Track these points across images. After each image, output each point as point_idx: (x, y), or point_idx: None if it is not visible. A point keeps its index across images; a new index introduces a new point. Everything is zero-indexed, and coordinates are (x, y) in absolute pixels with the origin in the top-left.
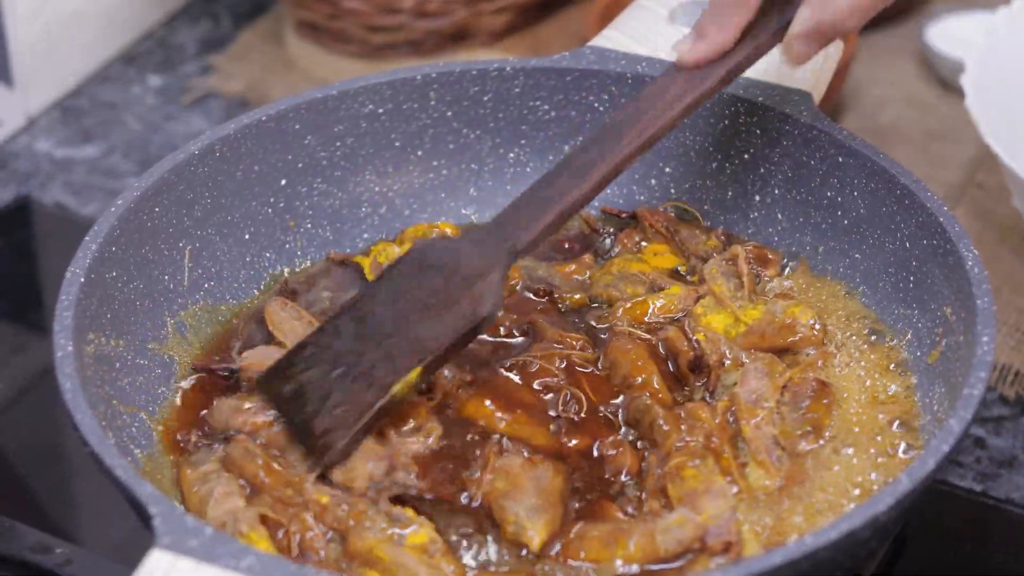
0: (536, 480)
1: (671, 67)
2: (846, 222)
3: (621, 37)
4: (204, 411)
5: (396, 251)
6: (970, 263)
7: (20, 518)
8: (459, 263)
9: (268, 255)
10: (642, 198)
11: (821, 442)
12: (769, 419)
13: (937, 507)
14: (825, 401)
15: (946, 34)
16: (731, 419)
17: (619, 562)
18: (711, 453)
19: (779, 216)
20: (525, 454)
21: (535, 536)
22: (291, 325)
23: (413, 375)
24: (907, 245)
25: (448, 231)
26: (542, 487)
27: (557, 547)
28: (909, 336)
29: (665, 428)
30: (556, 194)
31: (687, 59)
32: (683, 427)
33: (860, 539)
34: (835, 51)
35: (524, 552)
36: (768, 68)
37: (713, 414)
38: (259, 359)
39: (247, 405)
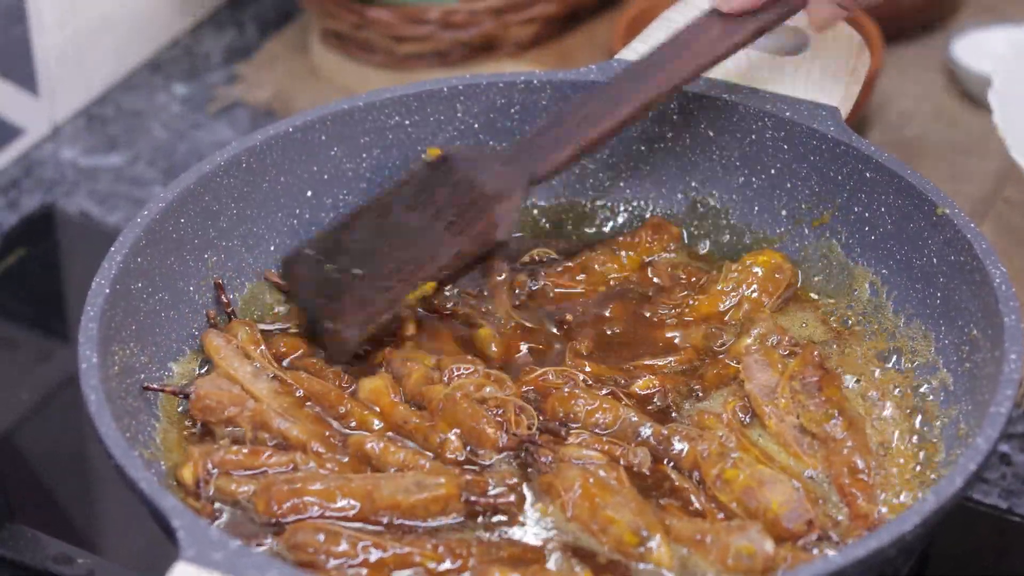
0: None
1: (706, 13)
2: (873, 238)
3: (647, 50)
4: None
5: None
6: (997, 280)
7: (43, 528)
8: (483, 181)
9: None
10: (669, 212)
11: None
12: (789, 409)
13: (961, 523)
14: (836, 384)
15: (973, 48)
16: (743, 416)
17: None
18: (738, 447)
19: (806, 231)
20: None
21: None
22: (231, 352)
23: (428, 287)
24: (934, 261)
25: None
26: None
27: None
28: (934, 352)
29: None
30: (581, 127)
31: (727, 7)
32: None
33: (886, 557)
34: (862, 65)
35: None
36: (795, 84)
37: (720, 418)
38: (210, 388)
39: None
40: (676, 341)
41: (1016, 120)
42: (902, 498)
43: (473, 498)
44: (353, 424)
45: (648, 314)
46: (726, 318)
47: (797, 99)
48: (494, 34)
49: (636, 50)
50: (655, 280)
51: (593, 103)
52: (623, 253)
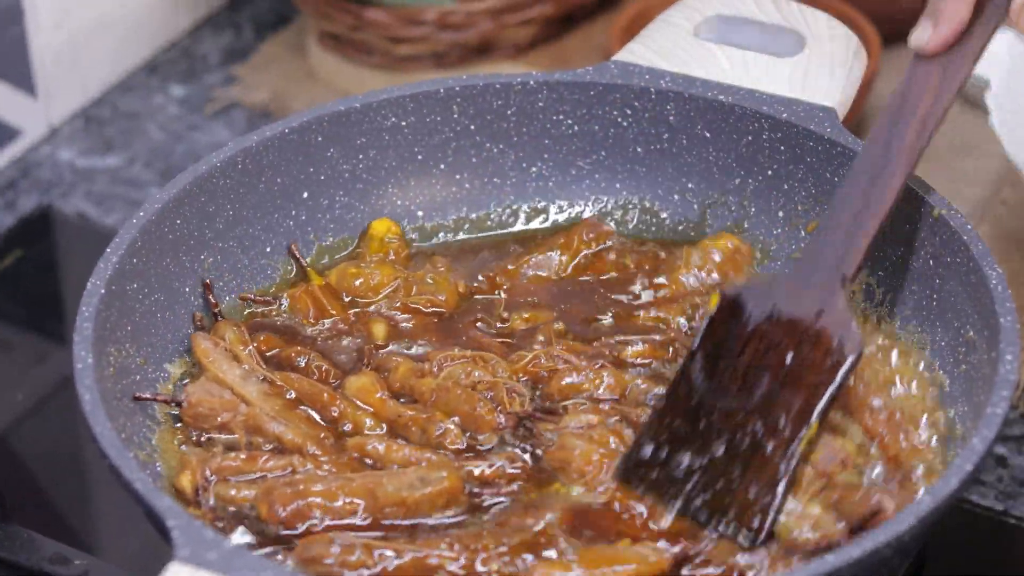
0: None
1: (915, 63)
2: None
3: (645, 51)
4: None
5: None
6: (994, 281)
7: (39, 529)
8: (790, 307)
9: (290, 267)
10: (665, 215)
11: None
12: None
13: (958, 525)
14: None
15: None
16: None
17: None
18: None
19: (802, 232)
20: None
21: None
22: (220, 355)
23: (812, 430)
24: (931, 263)
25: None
26: None
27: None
28: (929, 353)
29: None
30: (864, 213)
31: (931, 46)
32: None
33: (882, 558)
34: (860, 67)
35: None
36: (792, 85)
37: None
38: (201, 395)
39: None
40: (653, 315)
41: (1013, 122)
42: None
43: (477, 489)
44: (348, 426)
45: (616, 296)
46: (696, 300)
47: (794, 100)
48: (491, 35)
49: (633, 52)
50: (609, 271)
51: (855, 198)
52: (562, 258)
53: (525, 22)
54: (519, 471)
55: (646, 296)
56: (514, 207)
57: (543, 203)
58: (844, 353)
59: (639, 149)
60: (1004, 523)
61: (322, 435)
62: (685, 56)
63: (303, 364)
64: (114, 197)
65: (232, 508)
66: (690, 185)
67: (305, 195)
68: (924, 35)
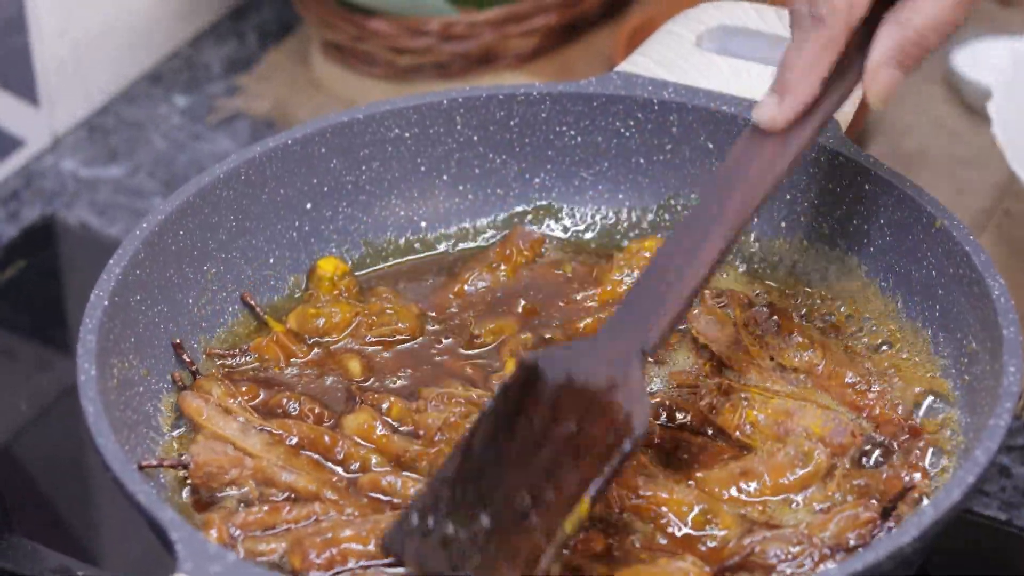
0: None
1: (752, 131)
2: (872, 249)
3: (648, 63)
4: None
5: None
6: (996, 292)
7: (42, 539)
8: (584, 376)
9: (292, 279)
10: (668, 225)
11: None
12: (760, 353)
13: (961, 536)
14: (793, 318)
15: (973, 59)
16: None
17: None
18: (734, 391)
19: (805, 243)
20: None
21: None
22: (214, 412)
23: (583, 508)
24: (933, 273)
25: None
26: None
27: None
28: (934, 363)
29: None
30: (672, 285)
31: (777, 124)
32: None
33: (884, 570)
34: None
35: None
36: None
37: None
38: (206, 454)
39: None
40: (594, 320)
41: (1016, 132)
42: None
43: None
44: (355, 466)
45: (561, 304)
46: None
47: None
48: (494, 46)
49: (635, 63)
50: (549, 279)
51: (668, 265)
52: (499, 266)
53: (528, 32)
54: None
55: (588, 302)
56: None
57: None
58: (630, 430)
59: (642, 160)
60: (1008, 533)
61: (335, 479)
62: (688, 67)
63: (295, 410)
64: (117, 207)
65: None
66: (693, 196)
67: (308, 206)
68: (769, 111)
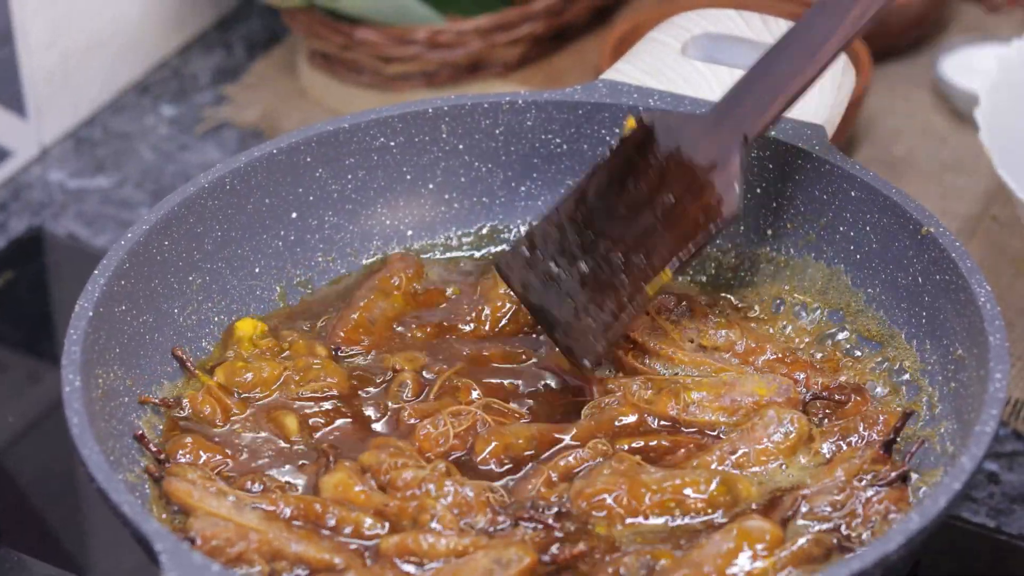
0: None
1: None
2: (859, 256)
3: (633, 70)
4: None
5: None
6: (982, 299)
7: (31, 550)
8: (692, 149)
9: (278, 289)
10: None
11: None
12: (682, 337)
13: (950, 543)
14: (699, 302)
15: (960, 66)
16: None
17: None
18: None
19: (791, 251)
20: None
21: None
22: (204, 493)
23: (666, 276)
24: (919, 280)
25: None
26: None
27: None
28: (919, 370)
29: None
30: (785, 77)
31: None
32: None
33: None
34: (848, 84)
35: None
36: None
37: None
38: (210, 529)
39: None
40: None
41: (1003, 137)
42: None
43: (552, 554)
44: (348, 530)
45: (463, 327)
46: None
47: (782, 118)
48: (481, 54)
49: (621, 71)
50: (439, 302)
51: (789, 51)
52: (393, 296)
53: (515, 41)
54: (559, 529)
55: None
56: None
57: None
58: (719, 214)
59: None
60: (996, 540)
61: (352, 545)
62: (673, 75)
63: (259, 489)
64: (105, 218)
65: None
66: None
67: (294, 215)
68: None
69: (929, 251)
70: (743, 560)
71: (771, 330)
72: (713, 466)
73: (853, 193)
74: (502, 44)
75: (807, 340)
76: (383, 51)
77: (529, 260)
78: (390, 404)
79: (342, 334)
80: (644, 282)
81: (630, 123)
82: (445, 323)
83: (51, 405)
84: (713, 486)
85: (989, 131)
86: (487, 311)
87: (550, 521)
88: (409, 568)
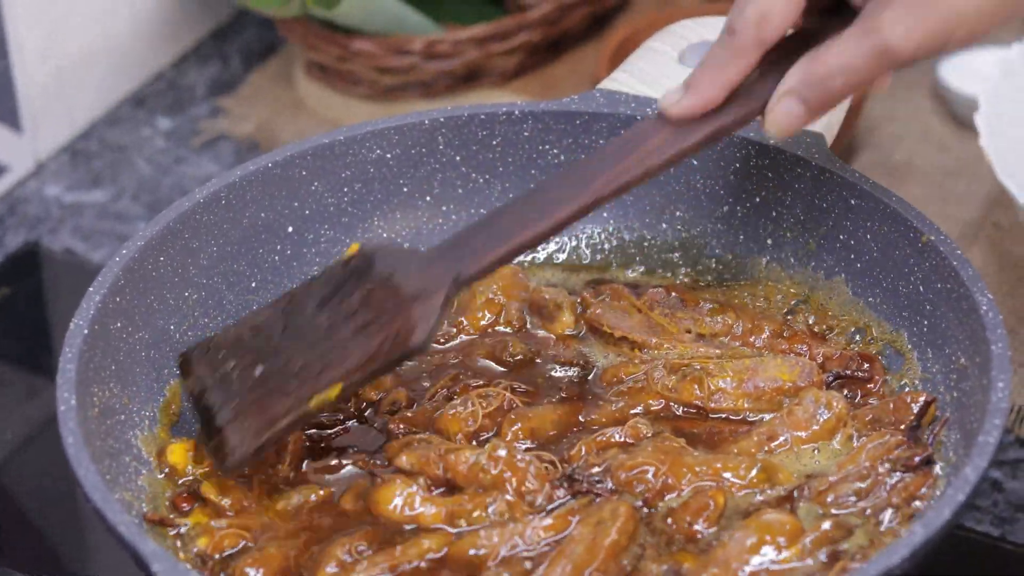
0: None
1: (656, 115)
2: (859, 265)
3: (630, 79)
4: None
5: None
6: (984, 307)
7: (30, 568)
8: (403, 279)
9: None
10: (655, 240)
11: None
12: (678, 328)
13: (953, 552)
14: (693, 290)
15: (961, 70)
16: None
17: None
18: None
19: (791, 260)
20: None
21: None
22: None
23: (333, 392)
24: (920, 289)
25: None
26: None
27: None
28: (921, 379)
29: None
30: (515, 227)
31: (672, 112)
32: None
33: None
34: None
35: None
36: None
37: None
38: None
39: None
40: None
41: (1004, 143)
42: None
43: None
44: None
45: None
46: (499, 326)
47: None
48: (478, 64)
49: (618, 80)
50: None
51: (530, 203)
52: None
53: (512, 50)
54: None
55: (455, 341)
56: None
57: None
58: (408, 340)
59: None
60: (1001, 548)
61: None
62: (670, 83)
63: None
64: (102, 232)
65: None
66: (678, 213)
67: (290, 229)
68: (671, 99)
69: (930, 259)
70: (768, 552)
71: (761, 302)
72: (754, 451)
73: (853, 201)
74: (499, 54)
75: (793, 303)
76: (380, 62)
77: (211, 358)
78: (376, 424)
79: None
80: (312, 393)
81: (353, 248)
82: None
83: (49, 421)
84: (754, 472)
85: (990, 136)
86: (466, 322)
87: (607, 493)
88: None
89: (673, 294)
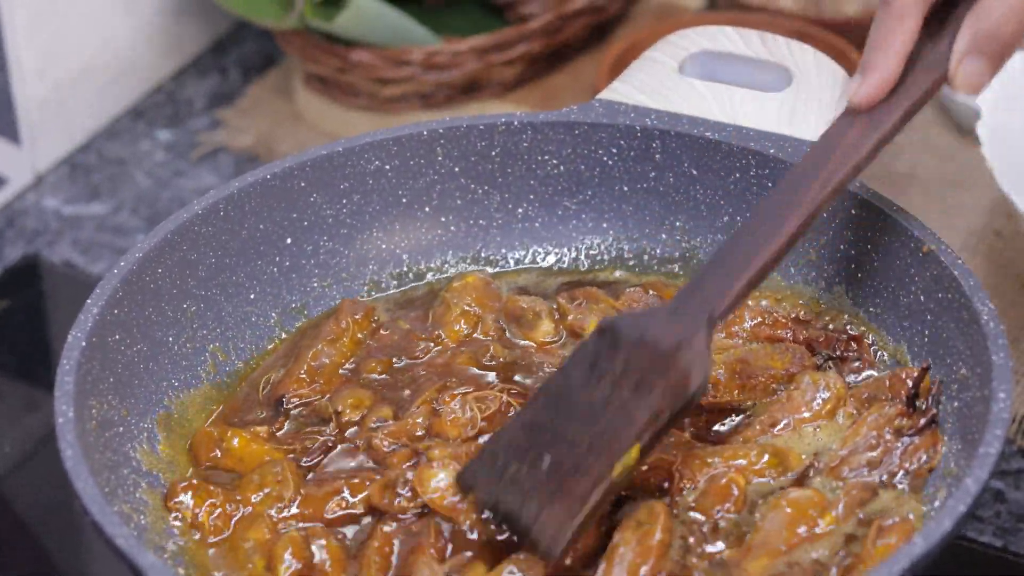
0: None
1: (841, 116)
2: (860, 275)
3: (630, 90)
4: None
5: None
6: (985, 317)
7: None
8: (657, 336)
9: (273, 315)
10: (656, 251)
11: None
12: None
13: (955, 563)
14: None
15: None
16: None
17: None
18: None
19: (791, 269)
20: None
21: None
22: None
23: (633, 454)
24: (921, 299)
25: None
26: None
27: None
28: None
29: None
30: (750, 253)
31: (858, 98)
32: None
33: None
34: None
35: None
36: (780, 120)
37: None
38: None
39: None
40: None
41: (1006, 152)
42: None
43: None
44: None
45: (409, 362)
46: (476, 335)
47: (781, 136)
48: (477, 75)
49: (617, 90)
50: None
51: (751, 230)
52: (342, 341)
53: (511, 61)
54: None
55: (433, 352)
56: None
57: (531, 244)
58: (687, 388)
59: (626, 188)
60: (1004, 560)
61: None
62: (670, 93)
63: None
64: (100, 245)
65: None
66: (678, 223)
67: (289, 241)
68: (853, 87)
69: (931, 269)
70: (804, 527)
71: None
72: (758, 439)
73: (853, 211)
74: (498, 64)
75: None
76: (379, 73)
77: (492, 468)
78: (359, 442)
79: (287, 381)
80: (612, 462)
81: (591, 325)
82: (397, 357)
83: (48, 433)
84: (765, 458)
85: (992, 146)
86: (444, 336)
87: None
88: None
89: (651, 292)
